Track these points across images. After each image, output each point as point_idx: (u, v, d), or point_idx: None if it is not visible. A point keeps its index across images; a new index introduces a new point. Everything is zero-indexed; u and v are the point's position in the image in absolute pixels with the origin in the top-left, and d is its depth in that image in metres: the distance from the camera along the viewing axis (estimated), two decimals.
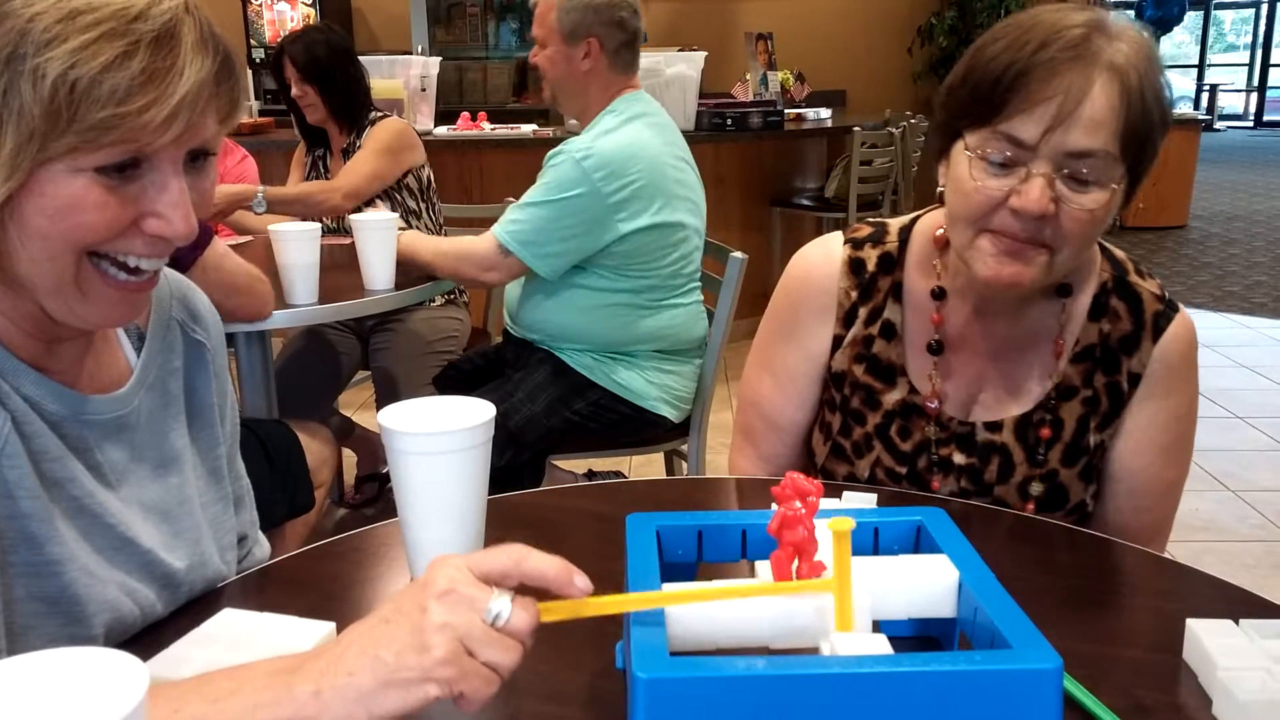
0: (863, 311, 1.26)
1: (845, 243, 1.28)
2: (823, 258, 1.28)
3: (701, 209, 2.33)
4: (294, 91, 2.92)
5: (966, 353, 1.24)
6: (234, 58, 0.82)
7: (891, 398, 1.25)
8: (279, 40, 3.02)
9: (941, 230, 1.21)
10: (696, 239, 2.31)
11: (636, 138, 2.17)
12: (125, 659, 0.56)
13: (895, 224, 1.29)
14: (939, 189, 1.16)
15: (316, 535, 1.64)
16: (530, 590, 0.70)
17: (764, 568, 0.78)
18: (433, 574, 0.68)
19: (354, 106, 2.98)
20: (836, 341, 1.27)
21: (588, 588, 0.70)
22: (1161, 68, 1.07)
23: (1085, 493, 1.23)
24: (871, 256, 1.26)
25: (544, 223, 2.13)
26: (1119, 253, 1.25)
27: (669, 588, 0.74)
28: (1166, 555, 1.15)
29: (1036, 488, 1.22)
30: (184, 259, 1.77)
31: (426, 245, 2.28)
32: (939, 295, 1.23)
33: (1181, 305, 1.23)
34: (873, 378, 1.26)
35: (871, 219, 1.34)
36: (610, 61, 2.23)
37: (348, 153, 2.99)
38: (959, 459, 1.24)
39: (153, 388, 0.98)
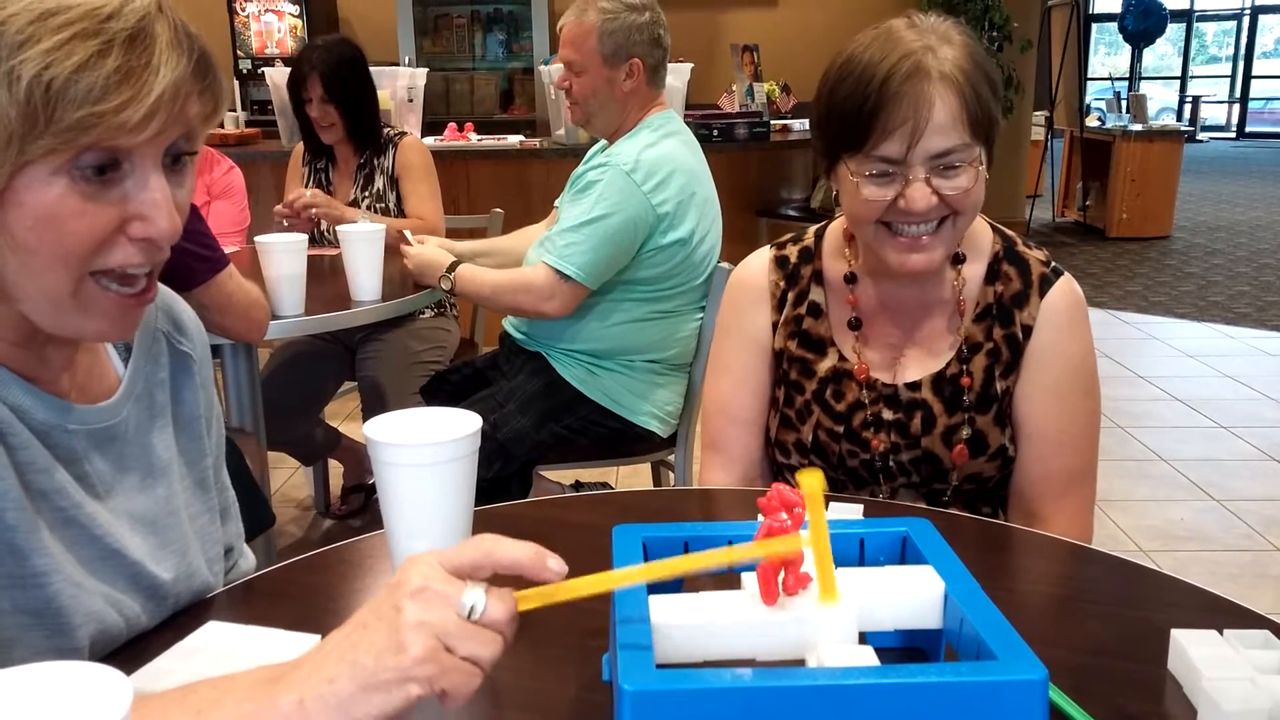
0: (791, 295, 1.44)
1: (771, 247, 1.48)
2: (755, 263, 1.48)
3: (720, 227, 2.34)
4: (314, 113, 2.88)
5: (881, 325, 1.40)
6: (210, 56, 0.81)
7: (823, 366, 1.41)
8: (302, 53, 2.94)
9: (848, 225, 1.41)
10: (717, 254, 2.33)
11: (675, 152, 2.19)
12: (110, 673, 0.56)
13: (812, 228, 1.48)
14: (833, 193, 1.35)
15: (302, 547, 1.64)
16: (507, 580, 0.70)
17: (750, 579, 0.78)
18: (405, 573, 0.68)
19: (372, 127, 2.97)
20: (774, 326, 1.44)
21: (562, 570, 0.70)
22: (981, 52, 1.25)
23: (1003, 437, 1.36)
24: (793, 251, 1.45)
25: (601, 239, 2.11)
26: (1008, 231, 1.42)
27: (648, 565, 0.73)
28: (1151, 565, 1.15)
29: (965, 432, 1.35)
30: (198, 274, 1.79)
31: (484, 281, 2.24)
32: (850, 280, 1.40)
33: (1066, 271, 1.38)
34: (805, 350, 1.42)
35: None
36: (649, 79, 2.25)
37: (364, 169, 2.98)
38: (887, 415, 1.38)
39: (140, 399, 0.97)
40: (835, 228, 1.44)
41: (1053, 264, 1.37)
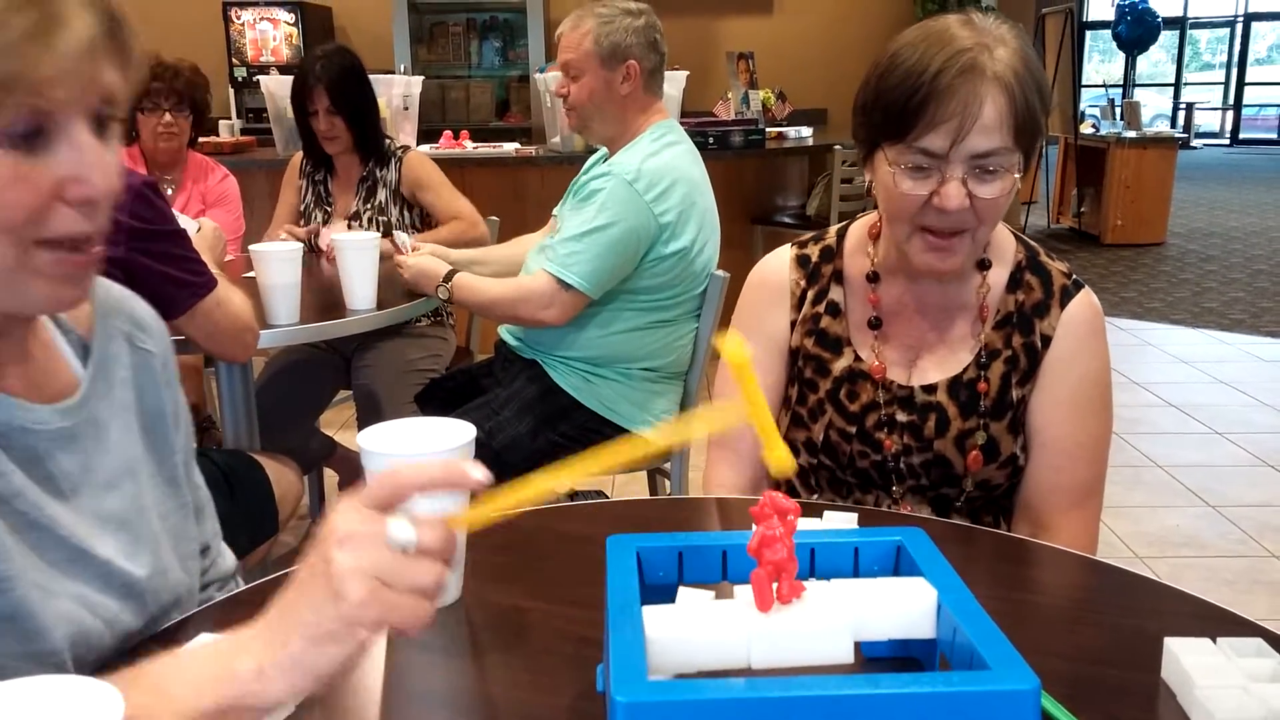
0: (810, 294, 1.44)
1: (792, 245, 1.48)
2: (775, 261, 1.48)
3: (718, 236, 2.35)
4: (321, 126, 2.87)
5: (902, 325, 1.40)
6: (121, 16, 0.81)
7: (839, 365, 1.41)
8: (303, 63, 2.93)
9: (874, 223, 1.41)
10: (715, 263, 2.34)
11: (677, 162, 2.20)
12: (102, 688, 0.56)
13: (834, 228, 1.49)
14: (866, 183, 1.35)
15: (298, 556, 1.62)
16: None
17: (743, 589, 0.78)
18: (328, 524, 0.69)
19: (376, 138, 2.96)
20: (792, 325, 1.44)
21: (485, 478, 0.70)
22: (1035, 60, 1.25)
23: (1015, 445, 1.36)
24: (814, 251, 1.46)
25: (603, 248, 2.12)
26: (1031, 241, 1.42)
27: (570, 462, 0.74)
28: (1146, 571, 1.16)
29: (980, 438, 1.35)
30: (180, 303, 1.75)
31: (482, 290, 2.25)
32: (873, 279, 1.41)
33: (1087, 286, 1.39)
34: (821, 349, 1.42)
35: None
36: (645, 84, 2.26)
37: (366, 181, 2.97)
38: (901, 417, 1.38)
39: (102, 398, 0.96)
40: (858, 226, 1.45)
41: (1074, 276, 1.38)
